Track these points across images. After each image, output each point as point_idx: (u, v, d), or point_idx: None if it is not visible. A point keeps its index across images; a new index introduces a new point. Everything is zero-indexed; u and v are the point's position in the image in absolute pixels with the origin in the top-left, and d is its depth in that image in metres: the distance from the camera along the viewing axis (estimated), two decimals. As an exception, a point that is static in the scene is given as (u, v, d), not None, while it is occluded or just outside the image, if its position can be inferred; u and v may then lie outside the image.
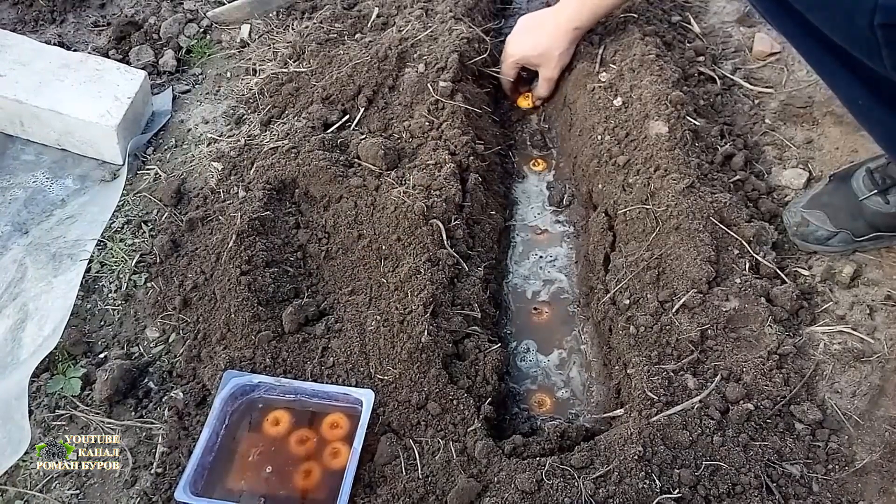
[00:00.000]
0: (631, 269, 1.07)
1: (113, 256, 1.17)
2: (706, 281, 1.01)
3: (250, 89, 1.44)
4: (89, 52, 1.50)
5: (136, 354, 1.06)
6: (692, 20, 1.52)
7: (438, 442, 0.90)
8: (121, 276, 1.14)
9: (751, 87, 1.38)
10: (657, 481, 0.84)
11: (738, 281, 1.02)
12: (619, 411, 0.95)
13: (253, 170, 1.24)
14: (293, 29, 1.57)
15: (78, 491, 0.92)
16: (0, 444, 0.95)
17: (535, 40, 1.34)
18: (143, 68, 1.44)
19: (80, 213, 1.24)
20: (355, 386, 0.95)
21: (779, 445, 0.88)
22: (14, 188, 1.28)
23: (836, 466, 0.88)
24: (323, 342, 1.01)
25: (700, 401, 0.90)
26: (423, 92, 1.32)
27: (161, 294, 1.11)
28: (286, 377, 0.96)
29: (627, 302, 1.04)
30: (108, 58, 1.44)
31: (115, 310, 1.11)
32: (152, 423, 0.97)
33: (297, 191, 1.20)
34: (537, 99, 1.45)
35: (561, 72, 1.37)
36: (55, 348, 1.03)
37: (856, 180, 1.06)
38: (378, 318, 1.01)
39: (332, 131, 1.29)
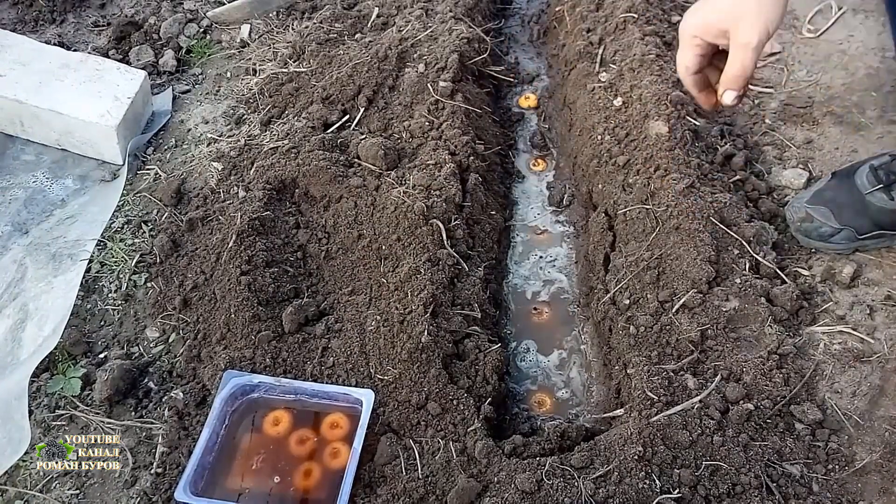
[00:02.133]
0: (631, 269, 1.07)
1: (113, 256, 1.17)
2: (706, 281, 1.01)
3: (250, 89, 1.44)
4: (89, 52, 1.50)
5: (136, 354, 1.06)
6: (692, 20, 1.52)
7: (438, 442, 0.90)
8: (121, 276, 1.14)
9: (751, 87, 1.38)
10: (657, 481, 0.84)
11: (738, 281, 1.02)
12: (619, 411, 0.95)
13: (253, 170, 1.24)
14: (293, 29, 1.56)
15: (78, 491, 0.92)
16: (0, 444, 0.95)
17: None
18: (143, 68, 1.44)
19: (80, 213, 1.24)
20: (355, 386, 0.95)
21: (779, 445, 0.88)
22: (14, 188, 1.28)
23: (836, 466, 0.88)
24: (323, 342, 1.01)
25: (700, 401, 0.90)
26: (423, 92, 1.32)
27: (161, 294, 1.11)
28: (286, 377, 0.96)
29: (627, 302, 1.04)
30: (108, 58, 1.44)
31: (115, 310, 1.11)
32: (152, 423, 0.97)
33: (297, 191, 1.20)
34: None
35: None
36: (55, 348, 1.03)
37: (859, 177, 1.06)
38: (378, 318, 1.01)
39: (332, 131, 1.29)
